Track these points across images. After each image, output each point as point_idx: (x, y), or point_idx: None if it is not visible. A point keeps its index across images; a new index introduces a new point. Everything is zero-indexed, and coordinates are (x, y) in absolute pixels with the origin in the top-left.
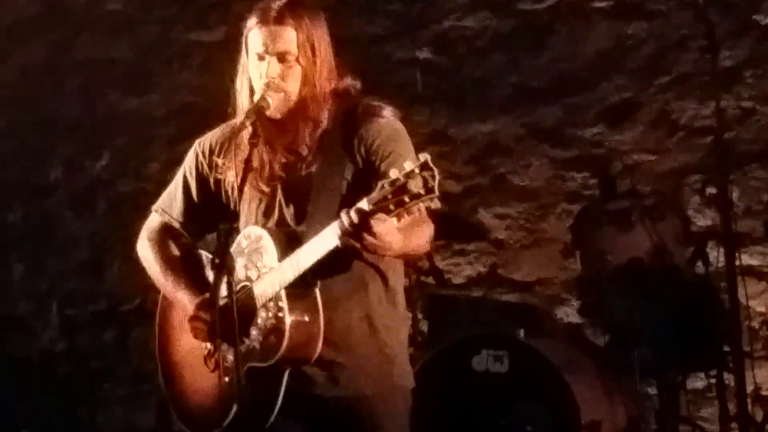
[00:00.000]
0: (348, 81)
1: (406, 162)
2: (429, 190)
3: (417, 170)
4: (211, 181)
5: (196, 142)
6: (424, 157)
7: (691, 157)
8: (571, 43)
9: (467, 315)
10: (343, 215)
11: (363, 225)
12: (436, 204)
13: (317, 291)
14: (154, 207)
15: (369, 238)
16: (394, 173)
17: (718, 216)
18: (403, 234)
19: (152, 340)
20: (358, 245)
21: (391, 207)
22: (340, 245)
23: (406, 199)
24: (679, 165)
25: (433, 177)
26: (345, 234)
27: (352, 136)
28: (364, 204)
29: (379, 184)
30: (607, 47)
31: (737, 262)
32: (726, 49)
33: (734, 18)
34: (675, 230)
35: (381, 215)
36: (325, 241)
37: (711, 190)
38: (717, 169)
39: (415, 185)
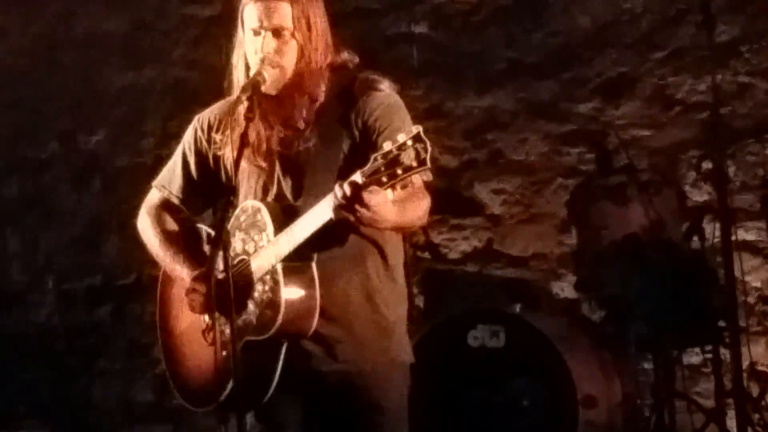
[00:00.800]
0: (345, 55)
1: (399, 134)
2: (421, 163)
3: (409, 142)
4: (210, 156)
5: (196, 117)
6: (417, 129)
7: (688, 132)
8: (567, 17)
9: (463, 290)
10: (337, 188)
11: (356, 197)
12: (428, 176)
13: (314, 265)
14: (154, 183)
15: (362, 211)
16: (387, 146)
17: (714, 191)
18: (397, 207)
19: (148, 315)
20: (351, 218)
21: (384, 179)
22: (333, 218)
23: (399, 171)
24: (675, 140)
25: (425, 149)
26: (338, 207)
27: (349, 110)
28: (357, 177)
29: (372, 156)
30: (604, 22)
31: (733, 238)
32: (722, 23)
33: None
34: (671, 205)
35: (374, 188)
36: (319, 214)
37: (707, 165)
38: (713, 144)
39: (408, 157)
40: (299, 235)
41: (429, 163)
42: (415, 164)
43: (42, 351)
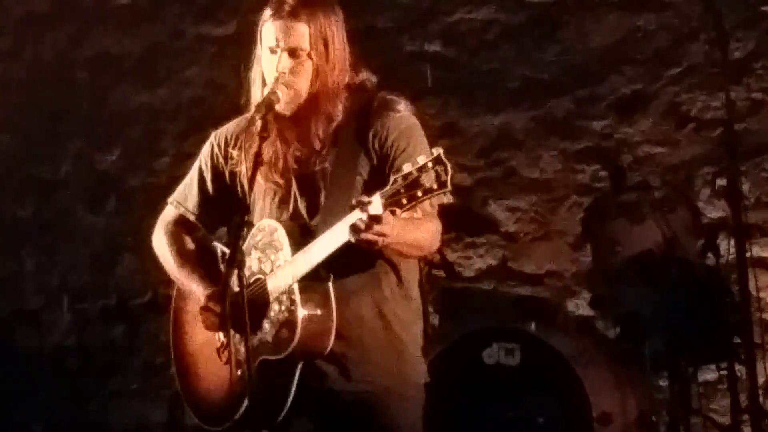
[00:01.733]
0: (363, 75)
1: (419, 156)
2: (441, 185)
3: (430, 164)
4: (227, 173)
5: (213, 134)
6: (437, 151)
7: (702, 149)
8: (580, 35)
9: (478, 308)
10: (357, 211)
11: (375, 221)
12: (448, 198)
13: (330, 285)
14: (170, 199)
15: (378, 230)
16: (407, 167)
17: (728, 208)
18: (407, 223)
19: (163, 334)
20: (368, 243)
21: (404, 201)
22: (353, 240)
23: (419, 193)
24: (689, 157)
25: (446, 171)
26: (357, 229)
27: (366, 131)
28: (376, 199)
29: (392, 178)
30: (617, 39)
31: (748, 254)
32: (735, 40)
33: (743, 9)
34: (686, 222)
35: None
36: (337, 235)
37: (721, 182)
38: (727, 161)
39: (428, 179)
40: (317, 255)
41: (450, 186)
42: (435, 186)
43: (57, 370)
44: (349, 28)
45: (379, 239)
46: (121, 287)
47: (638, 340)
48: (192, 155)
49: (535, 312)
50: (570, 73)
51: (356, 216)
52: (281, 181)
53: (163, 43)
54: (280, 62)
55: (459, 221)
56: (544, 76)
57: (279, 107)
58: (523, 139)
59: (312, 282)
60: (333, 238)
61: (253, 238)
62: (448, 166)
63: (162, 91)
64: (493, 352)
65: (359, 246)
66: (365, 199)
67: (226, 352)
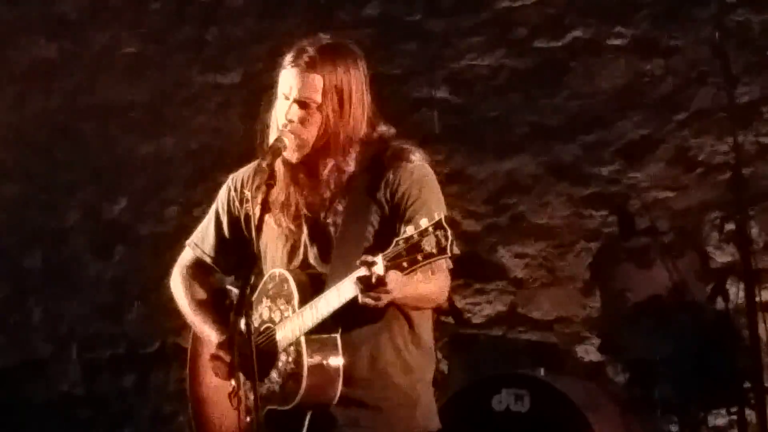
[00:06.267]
0: (382, 128)
1: (422, 219)
2: (441, 251)
3: (431, 229)
4: (242, 216)
5: (230, 177)
6: (439, 216)
7: (710, 194)
8: (587, 80)
9: (487, 354)
10: (361, 271)
11: (379, 282)
12: (448, 264)
13: (338, 336)
14: (188, 241)
15: (381, 292)
16: (409, 230)
17: (737, 252)
18: (407, 279)
19: (172, 383)
20: (372, 302)
21: (405, 264)
22: (360, 300)
23: (419, 257)
24: (697, 201)
25: (446, 237)
26: (362, 291)
27: (378, 181)
28: (379, 260)
29: (394, 240)
30: (624, 84)
31: (757, 299)
32: (743, 84)
33: (751, 54)
34: (694, 267)
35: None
36: (343, 291)
37: (730, 227)
38: (736, 205)
39: (429, 244)
40: (323, 309)
41: (450, 252)
42: (435, 251)
43: (66, 420)
44: None
45: (382, 296)
46: (130, 336)
47: (648, 386)
48: (200, 203)
49: (545, 358)
50: (578, 118)
51: (360, 274)
52: (293, 227)
53: (170, 91)
54: (289, 110)
55: (467, 268)
56: (551, 122)
57: (285, 155)
58: (531, 184)
59: (320, 334)
60: (339, 294)
61: (265, 286)
62: (449, 231)
63: (169, 139)
64: (503, 399)
65: (364, 304)
66: (370, 258)
67: (236, 398)
